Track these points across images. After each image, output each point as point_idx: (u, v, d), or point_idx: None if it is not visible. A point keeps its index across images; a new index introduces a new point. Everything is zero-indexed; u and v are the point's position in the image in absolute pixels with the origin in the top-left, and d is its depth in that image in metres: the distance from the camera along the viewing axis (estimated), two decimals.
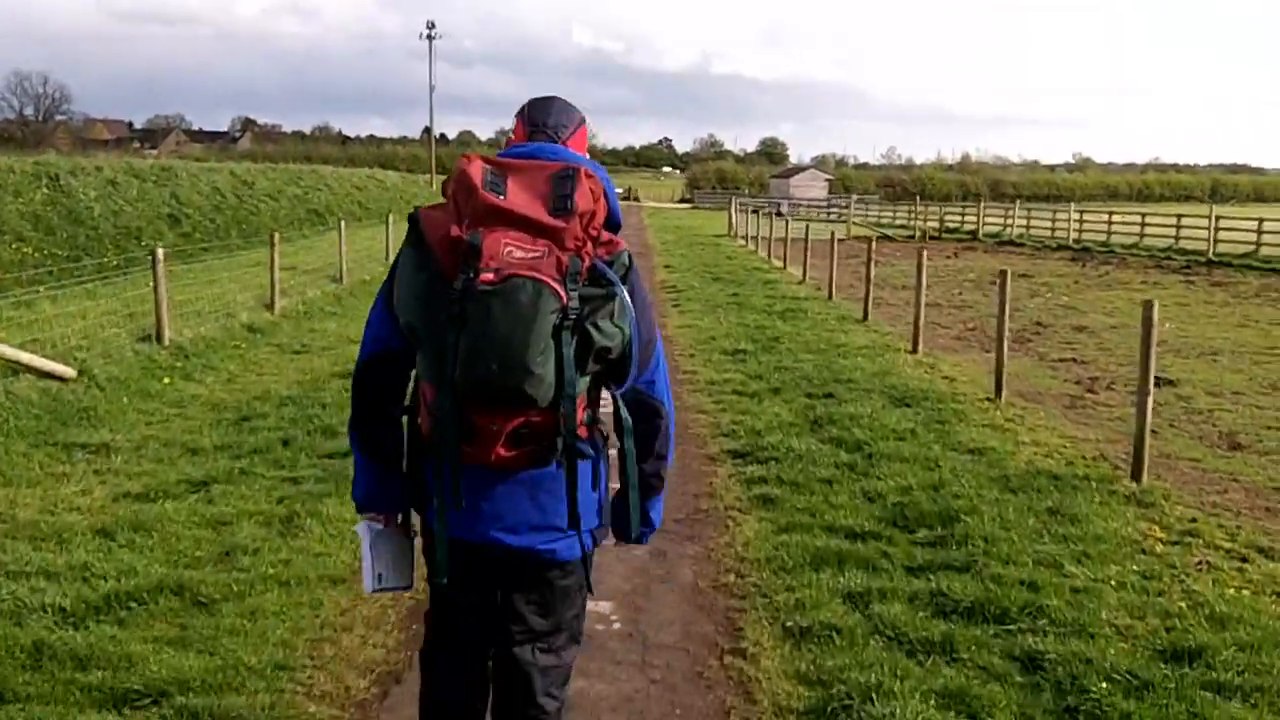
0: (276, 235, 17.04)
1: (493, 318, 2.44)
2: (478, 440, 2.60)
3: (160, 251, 12.76)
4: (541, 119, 2.88)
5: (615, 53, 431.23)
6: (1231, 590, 5.41)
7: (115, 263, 20.60)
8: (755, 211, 39.83)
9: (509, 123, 2.97)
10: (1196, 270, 29.77)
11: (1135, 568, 5.71)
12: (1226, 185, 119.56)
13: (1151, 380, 7.52)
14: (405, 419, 2.87)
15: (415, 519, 2.99)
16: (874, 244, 18.12)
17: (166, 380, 10.53)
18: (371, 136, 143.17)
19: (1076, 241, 40.00)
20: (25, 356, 9.51)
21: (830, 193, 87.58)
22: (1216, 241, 33.72)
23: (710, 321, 16.17)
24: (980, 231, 45.80)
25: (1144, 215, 41.50)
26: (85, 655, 4.49)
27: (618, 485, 2.90)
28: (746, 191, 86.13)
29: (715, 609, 5.29)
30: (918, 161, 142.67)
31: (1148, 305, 7.65)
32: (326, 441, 8.18)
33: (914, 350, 13.46)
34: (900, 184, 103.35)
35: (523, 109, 2.94)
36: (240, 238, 28.86)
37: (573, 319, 2.52)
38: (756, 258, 30.45)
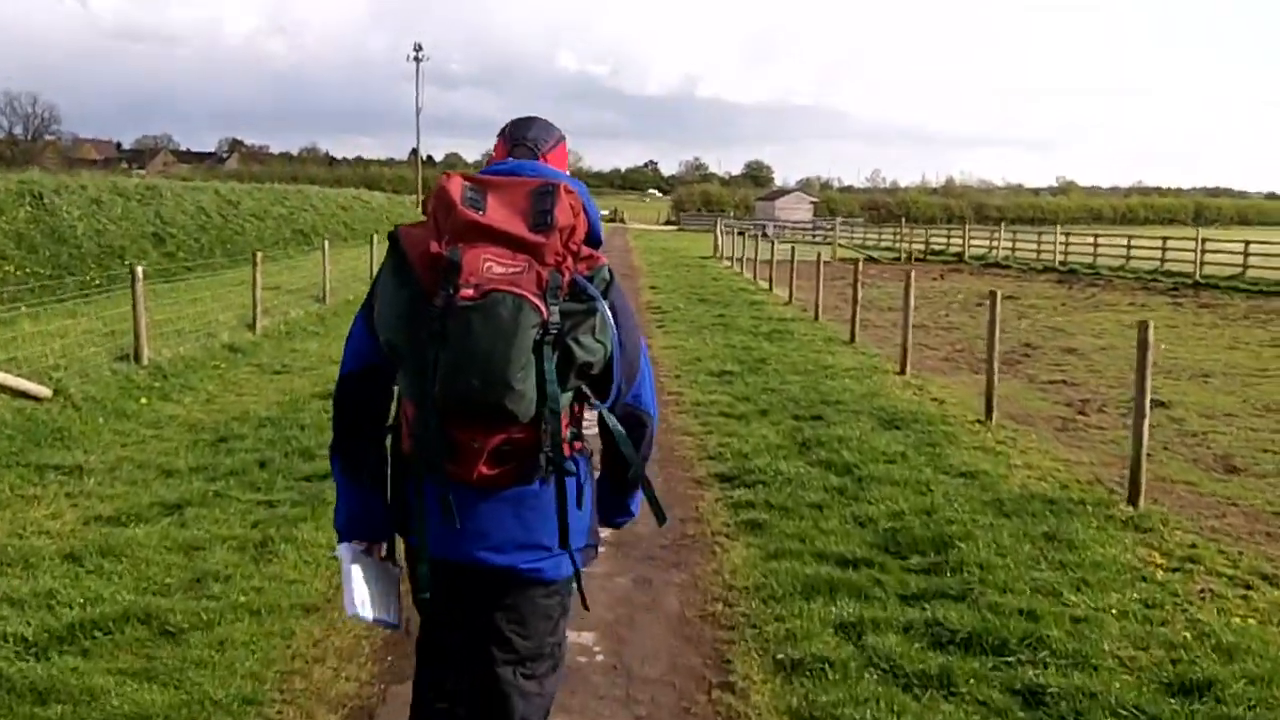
0: (259, 255, 16.85)
1: (473, 333, 2.44)
2: (460, 458, 2.59)
3: (139, 270, 12.57)
4: (521, 134, 2.91)
5: (600, 76, 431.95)
6: (1237, 619, 5.24)
7: (98, 281, 20.46)
8: (741, 233, 39.83)
9: (494, 144, 2.97)
10: (1184, 292, 29.70)
11: (1136, 596, 5.53)
12: (1210, 208, 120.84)
13: (1148, 402, 7.37)
14: (390, 439, 2.84)
15: (399, 547, 2.92)
16: (860, 265, 18.03)
17: (144, 400, 10.35)
18: (359, 158, 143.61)
19: (1062, 263, 40.04)
20: (0, 376, 9.31)
21: (815, 215, 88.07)
22: (1203, 264, 33.66)
23: (696, 342, 16.02)
24: (966, 254, 45.87)
25: (1129, 238, 41.51)
26: (45, 689, 4.32)
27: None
28: (732, 214, 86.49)
29: (703, 640, 5.10)
30: (902, 184, 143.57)
31: (1143, 326, 7.50)
32: (304, 464, 8.01)
33: (902, 371, 13.30)
34: (885, 207, 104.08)
35: (504, 128, 2.96)
36: (225, 257, 28.76)
37: (554, 334, 2.51)
38: (742, 279, 30.38)
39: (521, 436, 2.56)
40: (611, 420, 2.79)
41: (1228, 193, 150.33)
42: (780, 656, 4.81)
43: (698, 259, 40.89)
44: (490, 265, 2.50)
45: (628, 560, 6.15)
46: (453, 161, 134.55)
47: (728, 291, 25.73)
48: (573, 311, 2.56)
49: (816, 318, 19.52)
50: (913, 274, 14.34)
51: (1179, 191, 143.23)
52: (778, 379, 12.45)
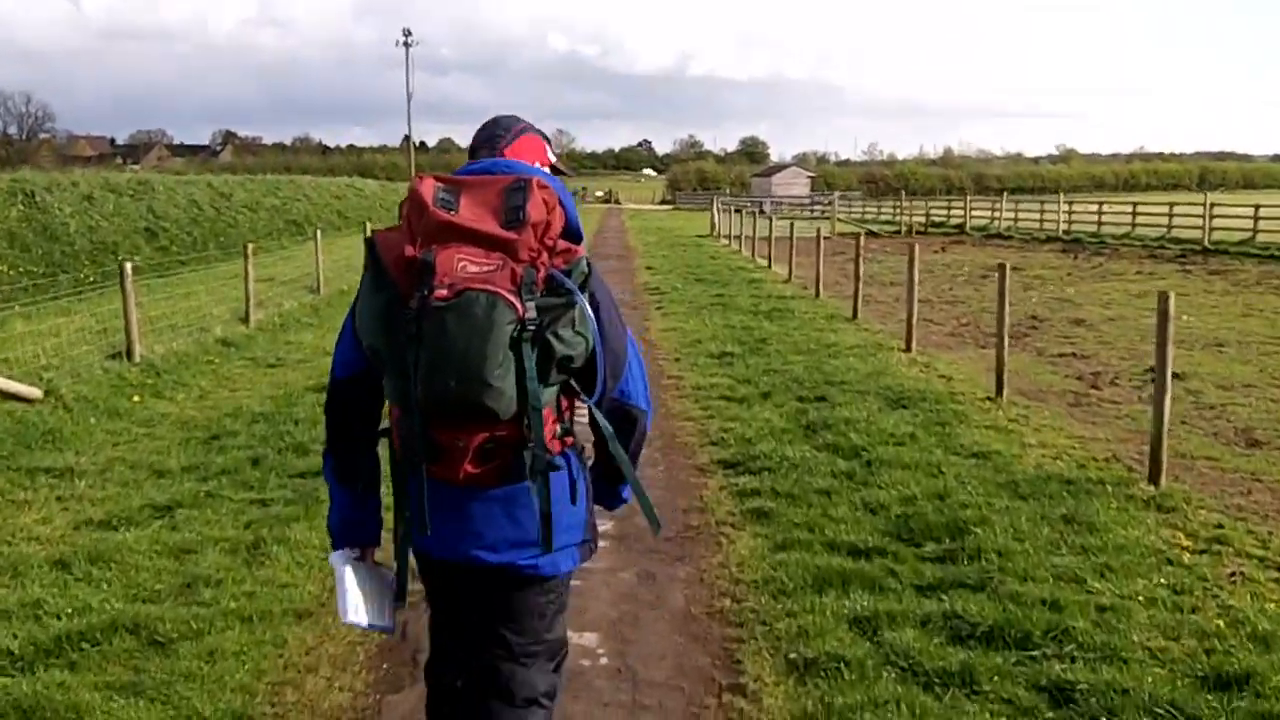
0: (250, 246, 16.60)
1: (448, 333, 2.44)
2: (445, 458, 2.62)
3: (129, 266, 12.39)
4: (484, 136, 2.92)
5: (591, 57, 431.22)
6: (1272, 605, 4.98)
7: (91, 278, 20.29)
8: (738, 211, 39.47)
9: None
10: (1192, 259, 29.30)
11: (1163, 581, 5.30)
12: (1215, 173, 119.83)
13: (1169, 376, 7.09)
14: (387, 441, 2.85)
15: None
16: (861, 240, 17.76)
17: (136, 399, 10.16)
18: (351, 146, 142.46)
19: (1066, 233, 39.74)
20: None
21: (813, 190, 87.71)
22: (1212, 229, 33.23)
23: (695, 324, 15.77)
24: (967, 225, 45.54)
25: (1135, 204, 40.88)
26: (30, 705, 4.18)
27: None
28: (728, 191, 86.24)
29: (710, 639, 4.88)
30: (900, 157, 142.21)
31: (1163, 296, 7.20)
32: (298, 460, 7.84)
33: (907, 349, 13.03)
34: (883, 179, 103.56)
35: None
36: (218, 250, 28.55)
37: (532, 330, 2.50)
38: (740, 257, 30.11)
39: (505, 434, 2.58)
40: (600, 419, 2.78)
41: (1233, 156, 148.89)
42: (793, 655, 4.60)
43: (694, 238, 40.62)
44: (464, 265, 2.50)
45: (630, 554, 5.94)
46: (446, 147, 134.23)
47: (726, 270, 25.47)
48: (550, 306, 2.54)
49: (817, 295, 19.25)
50: (916, 247, 14.02)
51: (1183, 157, 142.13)
52: (780, 359, 12.20)
